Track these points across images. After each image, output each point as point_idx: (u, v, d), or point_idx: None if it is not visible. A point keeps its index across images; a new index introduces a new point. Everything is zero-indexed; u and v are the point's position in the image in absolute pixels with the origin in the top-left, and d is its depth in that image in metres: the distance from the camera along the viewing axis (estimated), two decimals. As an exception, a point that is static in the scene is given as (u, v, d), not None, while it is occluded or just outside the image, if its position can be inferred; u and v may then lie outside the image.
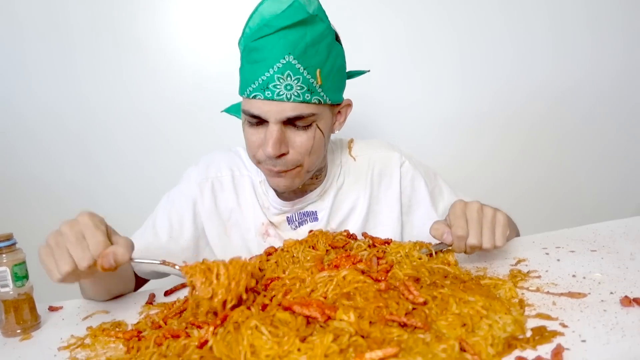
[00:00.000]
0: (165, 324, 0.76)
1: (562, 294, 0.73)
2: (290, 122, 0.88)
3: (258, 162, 0.95)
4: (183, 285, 0.99)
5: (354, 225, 1.07)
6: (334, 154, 1.10)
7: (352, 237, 0.90)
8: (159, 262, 0.79)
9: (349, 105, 1.02)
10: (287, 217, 1.06)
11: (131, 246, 0.77)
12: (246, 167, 1.10)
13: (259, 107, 0.87)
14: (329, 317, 0.60)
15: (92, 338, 0.80)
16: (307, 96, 0.86)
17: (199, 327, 0.67)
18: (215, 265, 0.71)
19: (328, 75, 0.89)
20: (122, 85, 1.61)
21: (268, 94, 0.85)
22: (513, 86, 1.81)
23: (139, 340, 0.72)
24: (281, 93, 0.85)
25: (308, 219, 1.06)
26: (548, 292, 0.75)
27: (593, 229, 1.05)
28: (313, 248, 0.84)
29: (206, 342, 0.61)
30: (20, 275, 0.86)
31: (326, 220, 1.06)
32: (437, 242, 0.85)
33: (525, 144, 1.88)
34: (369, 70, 1.08)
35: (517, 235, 1.12)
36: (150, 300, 0.92)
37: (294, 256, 0.83)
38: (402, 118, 1.77)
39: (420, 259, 0.80)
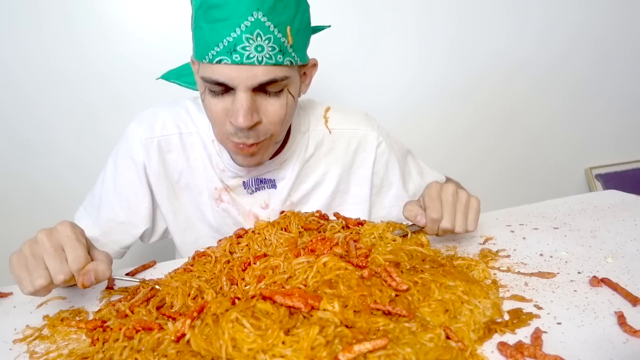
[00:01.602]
0: (132, 312, 0.72)
1: (532, 274, 0.75)
2: (260, 88, 0.79)
3: (224, 138, 0.86)
4: (144, 267, 0.95)
5: (317, 201, 1.03)
6: (300, 119, 1.01)
7: (324, 217, 0.88)
8: (138, 281, 0.79)
9: (315, 65, 0.92)
10: (243, 182, 0.99)
11: (111, 261, 0.74)
12: (194, 123, 0.99)
13: (226, 73, 0.76)
14: (313, 307, 0.59)
15: (51, 328, 0.75)
16: (280, 58, 0.77)
17: (172, 318, 0.64)
18: (193, 281, 0.72)
19: (297, 32, 0.79)
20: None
21: (236, 57, 0.74)
22: (501, 54, 1.82)
23: (104, 330, 0.68)
24: (251, 56, 0.74)
25: (265, 186, 1.00)
26: (519, 272, 0.76)
27: (552, 205, 1.08)
28: (285, 230, 0.81)
29: (183, 335, 0.58)
30: (-35, 262, 0.78)
31: (287, 191, 1.00)
32: (410, 223, 0.84)
33: (508, 119, 1.92)
34: (329, 26, 0.99)
35: None
36: (110, 285, 0.87)
37: (266, 239, 0.80)
38: (370, 80, 1.74)
39: (394, 240, 0.79)
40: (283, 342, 0.54)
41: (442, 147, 1.87)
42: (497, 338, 0.59)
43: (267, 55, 0.75)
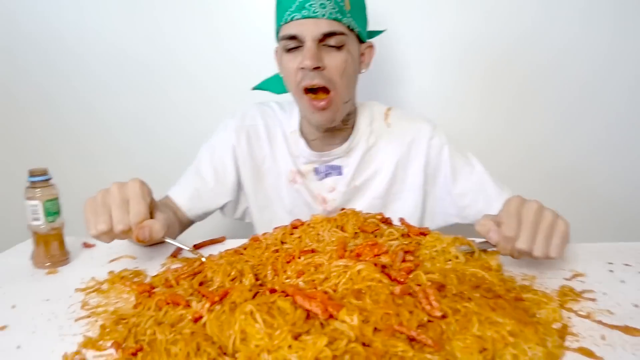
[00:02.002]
0: (177, 284, 0.73)
1: (616, 327, 0.63)
2: (324, 41, 0.95)
3: (298, 91, 1.00)
4: (212, 241, 0.97)
5: (377, 187, 1.12)
6: (365, 111, 1.14)
7: (387, 221, 0.82)
8: (188, 248, 0.85)
9: (371, 47, 1.08)
10: (315, 168, 1.12)
11: (167, 224, 0.82)
12: (277, 118, 1.17)
13: (296, 26, 0.95)
14: (331, 316, 0.54)
15: (110, 284, 0.79)
16: (339, 16, 0.94)
17: (204, 296, 0.64)
18: (239, 264, 0.72)
19: (354, 4, 0.98)
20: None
21: (305, 12, 0.93)
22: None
23: (149, 296, 0.70)
24: (316, 11, 0.93)
25: (333, 172, 1.12)
26: (600, 322, 0.64)
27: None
28: (341, 229, 0.77)
29: (200, 317, 0.58)
30: (52, 210, 0.86)
31: (350, 176, 1.11)
32: (482, 239, 0.75)
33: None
34: (385, 30, 1.16)
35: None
36: (175, 254, 0.91)
37: (319, 234, 0.77)
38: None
39: (457, 257, 0.71)
40: (290, 346, 0.51)
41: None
42: (540, 395, 0.50)
43: (329, 12, 0.93)
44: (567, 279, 0.77)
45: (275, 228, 0.83)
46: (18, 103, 1.70)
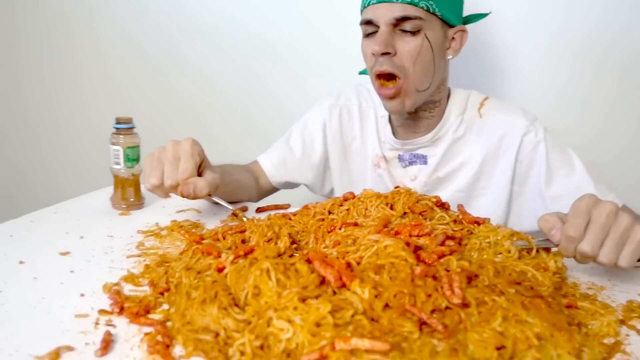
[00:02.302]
0: (224, 238, 0.76)
1: (682, 355, 0.54)
2: (398, 26, 0.94)
3: (372, 75, 0.99)
4: (276, 207, 0.99)
5: (461, 180, 1.06)
6: (458, 100, 1.07)
7: (443, 205, 0.78)
8: (232, 208, 0.89)
9: (464, 31, 1.03)
10: (399, 155, 1.10)
11: (214, 184, 0.85)
12: (373, 100, 1.15)
13: (372, 11, 0.95)
14: (344, 285, 0.53)
15: (168, 231, 0.84)
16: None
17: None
18: (276, 226, 0.73)
19: None
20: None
21: None
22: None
23: (197, 244, 0.74)
24: None
25: (417, 161, 1.08)
26: (664, 346, 0.55)
27: None
28: (391, 207, 0.74)
29: (224, 268, 0.59)
30: (132, 157, 0.93)
31: (434, 167, 1.07)
32: (544, 237, 0.68)
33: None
34: (489, 12, 1.08)
35: None
36: (236, 213, 0.94)
37: (367, 208, 0.75)
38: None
39: (509, 252, 0.65)
40: (295, 308, 0.50)
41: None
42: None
43: None
44: (641, 296, 0.67)
45: (328, 198, 0.83)
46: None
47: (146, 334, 0.53)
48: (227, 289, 0.57)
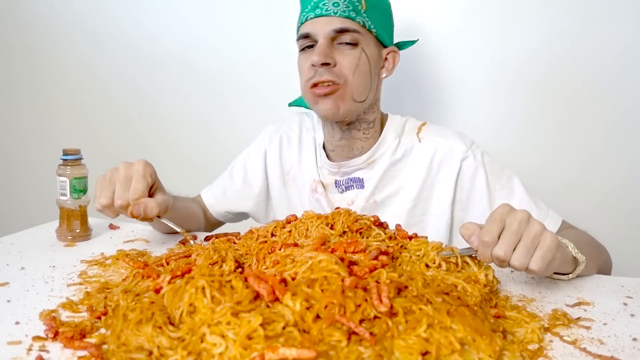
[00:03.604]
0: (168, 264, 0.76)
1: (600, 356, 0.57)
2: (337, 39, 0.97)
3: (307, 89, 1.00)
4: (225, 234, 1.00)
5: (399, 205, 1.06)
6: (394, 125, 1.09)
7: (381, 225, 0.80)
8: (181, 230, 0.90)
9: (396, 52, 1.07)
10: (336, 180, 1.10)
11: (165, 206, 0.86)
12: (314, 128, 1.17)
13: (310, 25, 0.98)
14: (277, 299, 0.54)
15: (113, 261, 0.84)
16: (352, 14, 0.96)
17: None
18: (223, 250, 0.75)
19: (373, 6, 0.99)
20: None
21: (318, 11, 0.96)
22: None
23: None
24: (329, 9, 0.96)
25: (354, 185, 1.09)
26: (584, 350, 0.58)
27: None
28: (331, 227, 0.77)
29: (161, 288, 0.60)
30: (78, 188, 0.93)
31: (371, 190, 1.07)
32: (467, 246, 0.72)
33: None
34: (417, 40, 1.14)
35: (605, 273, 0.91)
36: (184, 241, 0.94)
37: (308, 229, 0.77)
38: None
39: (437, 264, 0.68)
40: (228, 323, 0.51)
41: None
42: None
43: (342, 10, 0.96)
44: (568, 305, 0.71)
45: (272, 221, 0.85)
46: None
47: (80, 357, 0.53)
48: (164, 309, 0.57)
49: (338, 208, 0.83)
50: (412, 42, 1.13)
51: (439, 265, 0.68)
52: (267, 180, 1.19)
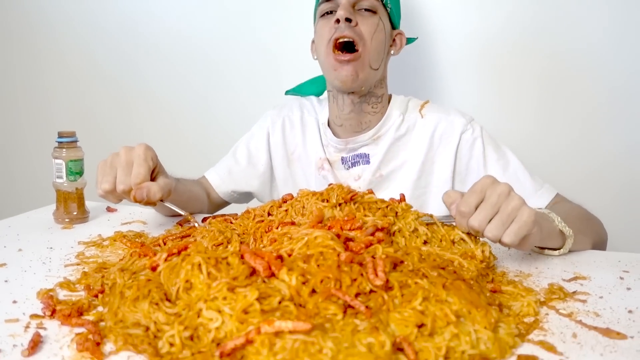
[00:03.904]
0: (164, 244, 0.76)
1: (595, 328, 0.57)
2: (356, 5, 1.01)
3: (327, 53, 1.02)
4: (223, 215, 1.00)
5: (403, 178, 1.10)
6: (399, 102, 1.13)
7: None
8: (185, 213, 0.88)
9: (402, 35, 1.11)
10: (342, 157, 1.13)
11: (167, 189, 0.85)
12: (314, 110, 1.20)
13: None
14: (273, 274, 0.54)
15: (111, 242, 0.84)
16: None
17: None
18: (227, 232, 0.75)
19: None
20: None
21: None
22: None
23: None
24: None
25: (360, 161, 1.11)
26: (580, 322, 0.58)
27: None
28: (327, 201, 0.76)
29: (158, 266, 0.60)
30: (74, 170, 0.93)
31: (377, 165, 1.10)
32: (447, 214, 0.73)
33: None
34: (417, 38, 1.18)
35: (600, 247, 0.91)
36: (182, 222, 0.94)
37: (304, 207, 0.77)
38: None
39: (424, 240, 0.69)
40: (224, 298, 0.51)
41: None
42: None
43: None
44: (565, 280, 0.71)
45: (269, 201, 0.85)
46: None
47: (77, 334, 0.53)
48: (161, 286, 0.57)
49: (331, 184, 0.84)
50: (411, 40, 1.18)
51: (415, 230, 0.69)
52: (271, 162, 1.21)
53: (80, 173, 0.94)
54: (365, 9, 1.01)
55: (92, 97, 1.86)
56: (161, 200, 0.84)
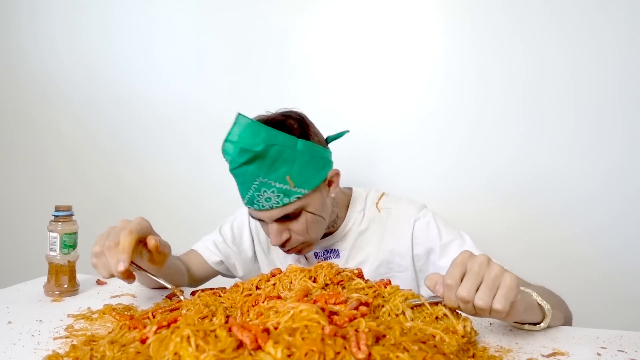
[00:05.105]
0: (154, 317, 0.78)
1: (572, 403, 0.59)
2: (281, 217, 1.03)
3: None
4: (211, 289, 1.01)
5: (369, 269, 1.15)
6: (356, 204, 1.21)
7: (362, 277, 0.83)
8: (170, 286, 0.91)
9: (337, 174, 1.12)
10: (315, 252, 1.20)
11: (144, 232, 0.86)
12: None
13: (256, 214, 1.05)
14: (259, 347, 0.56)
15: (100, 315, 0.85)
16: (286, 200, 1.00)
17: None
18: (213, 305, 0.78)
19: (299, 174, 1.00)
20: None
21: (256, 206, 1.02)
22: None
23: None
24: (264, 205, 1.00)
25: (331, 255, 1.20)
26: (557, 397, 0.60)
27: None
28: (314, 280, 0.79)
29: (147, 338, 0.61)
30: (68, 244, 0.95)
31: (345, 259, 1.18)
32: (433, 294, 0.75)
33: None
34: (348, 131, 1.17)
35: (568, 323, 0.94)
36: (170, 296, 0.96)
37: (291, 282, 0.79)
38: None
39: (399, 309, 0.71)
40: (211, 370, 0.53)
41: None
42: None
43: (275, 202, 1.00)
44: (544, 355, 0.73)
45: (258, 275, 0.87)
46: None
47: (65, 407, 0.54)
48: (150, 359, 0.59)
49: (319, 262, 0.86)
50: (342, 134, 1.17)
51: (403, 312, 0.71)
52: (254, 247, 1.27)
53: (73, 246, 0.96)
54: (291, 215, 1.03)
55: (88, 169, 1.91)
56: (147, 272, 0.86)
